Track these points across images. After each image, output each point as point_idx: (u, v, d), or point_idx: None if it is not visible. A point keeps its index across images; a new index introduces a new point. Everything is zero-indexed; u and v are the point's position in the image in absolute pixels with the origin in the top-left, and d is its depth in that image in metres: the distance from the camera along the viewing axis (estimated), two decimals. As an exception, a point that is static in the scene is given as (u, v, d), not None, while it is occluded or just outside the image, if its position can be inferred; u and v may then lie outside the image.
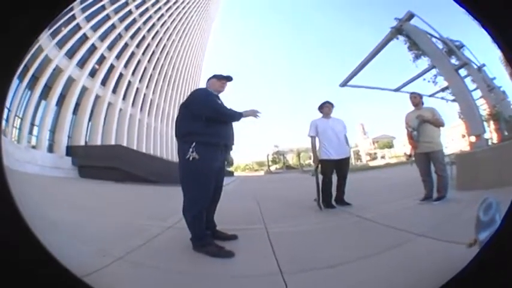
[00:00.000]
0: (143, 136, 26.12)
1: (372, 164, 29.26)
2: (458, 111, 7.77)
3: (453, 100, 8.18)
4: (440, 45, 8.06)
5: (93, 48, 21.14)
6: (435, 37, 8.13)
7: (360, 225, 3.91)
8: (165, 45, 32.39)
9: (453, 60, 7.88)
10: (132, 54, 26.20)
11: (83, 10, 19.65)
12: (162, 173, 12.80)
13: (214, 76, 3.60)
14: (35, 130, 16.93)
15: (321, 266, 2.45)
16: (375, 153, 32.38)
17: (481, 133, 6.64)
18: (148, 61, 28.95)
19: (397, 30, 8.55)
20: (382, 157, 30.97)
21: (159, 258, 2.90)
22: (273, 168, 41.75)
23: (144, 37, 28.32)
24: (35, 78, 16.23)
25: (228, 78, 3.62)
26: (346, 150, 5.42)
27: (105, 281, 2.15)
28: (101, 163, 14.93)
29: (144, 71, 28.04)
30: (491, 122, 7.12)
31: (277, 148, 41.86)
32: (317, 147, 5.44)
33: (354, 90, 10.77)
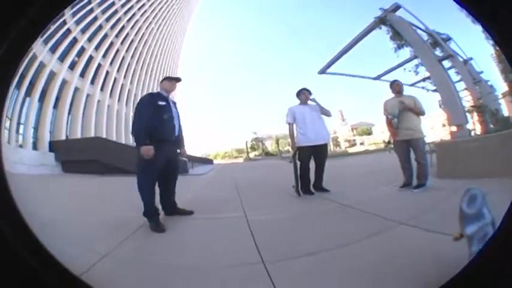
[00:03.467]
0: (121, 127, 25.87)
1: (351, 150, 29.74)
2: (439, 101, 7.83)
3: (434, 90, 8.25)
4: (425, 37, 8.07)
5: (73, 41, 20.78)
6: (420, 29, 8.13)
7: (338, 212, 3.90)
8: (143, 33, 31.84)
9: (437, 52, 7.90)
10: (111, 44, 25.73)
11: (73, 14, 19.48)
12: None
13: (166, 78, 4.31)
14: (21, 129, 16.73)
15: (301, 254, 2.48)
16: (354, 140, 32.87)
17: (462, 123, 6.66)
18: (127, 50, 28.49)
19: (381, 20, 8.49)
20: (361, 143, 31.45)
21: (145, 250, 3.00)
22: (252, 155, 42.01)
23: (123, 27, 27.82)
24: (22, 77, 15.92)
25: (178, 80, 4.37)
26: (325, 136, 5.44)
27: (98, 278, 2.13)
28: (81, 157, 14.73)
29: (122, 60, 27.62)
30: (475, 114, 7.21)
31: (255, 135, 42.05)
32: (295, 134, 5.45)
33: (333, 78, 10.76)
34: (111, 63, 25.48)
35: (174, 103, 4.31)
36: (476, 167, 4.53)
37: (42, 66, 17.58)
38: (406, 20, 8.28)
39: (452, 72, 7.89)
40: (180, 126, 4.28)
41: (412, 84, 9.42)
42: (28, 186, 7.06)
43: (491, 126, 6.86)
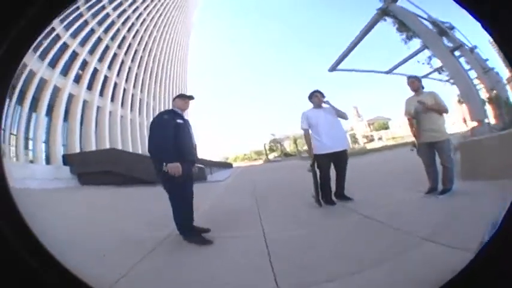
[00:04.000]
0: (137, 136, 25.89)
1: (369, 146, 29.16)
2: (458, 95, 7.52)
3: (449, 81, 7.96)
4: (429, 27, 7.77)
5: (74, 55, 20.86)
6: (424, 18, 7.83)
7: (362, 226, 3.68)
8: (146, 42, 31.81)
9: (445, 42, 7.60)
10: (115, 55, 25.82)
11: (61, 21, 19.20)
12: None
13: (179, 96, 4.25)
14: (30, 144, 16.94)
15: (321, 280, 2.32)
16: (372, 136, 32.35)
17: (482, 118, 6.35)
18: (132, 60, 28.51)
19: (383, 12, 8.18)
20: (380, 138, 30.81)
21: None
22: (271, 156, 41.99)
23: (124, 37, 27.81)
24: (22, 93, 16.20)
25: (191, 98, 4.27)
26: (344, 142, 5.10)
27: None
28: (97, 168, 14.88)
29: (129, 70, 27.69)
30: (491, 107, 6.88)
31: (273, 136, 41.94)
32: (311, 141, 5.08)
33: (346, 75, 10.53)
34: (117, 74, 25.69)
35: (188, 121, 4.21)
36: (501, 165, 4.21)
37: (43, 82, 17.78)
38: (408, 9, 7.95)
39: (462, 62, 7.55)
40: (196, 145, 4.28)
41: (425, 76, 9.06)
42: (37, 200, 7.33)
43: (506, 118, 6.46)
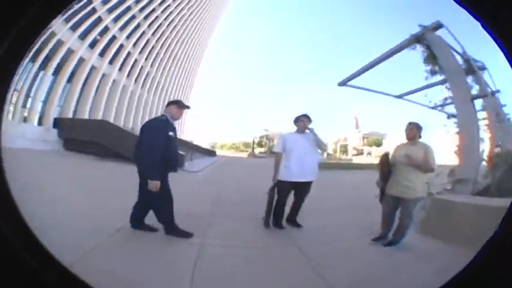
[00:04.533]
0: (132, 108, 25.81)
1: (356, 160, 29.43)
2: (457, 145, 6.75)
3: (453, 117, 7.36)
4: (460, 62, 6.95)
5: (98, 20, 20.67)
6: (458, 53, 6.96)
7: (293, 261, 3.52)
8: (173, 19, 31.37)
9: (469, 80, 6.82)
10: (137, 26, 25.43)
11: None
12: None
13: (175, 103, 3.99)
14: (29, 102, 17.11)
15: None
16: (362, 150, 32.52)
17: (471, 178, 5.66)
18: (153, 34, 28.14)
19: (417, 39, 7.35)
20: (369, 153, 31.27)
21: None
22: (257, 151, 41.27)
23: (154, 9, 27.39)
24: (38, 51, 16.10)
25: (187, 107, 4.13)
26: (312, 174, 4.80)
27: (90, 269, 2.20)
28: (84, 137, 14.62)
29: (147, 43, 27.31)
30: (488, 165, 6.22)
31: (266, 132, 41.47)
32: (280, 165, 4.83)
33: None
34: (134, 44, 25.32)
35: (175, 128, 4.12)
36: (466, 234, 3.76)
37: (60, 43, 17.55)
38: (445, 41, 6.77)
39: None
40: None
41: (434, 107, 8.53)
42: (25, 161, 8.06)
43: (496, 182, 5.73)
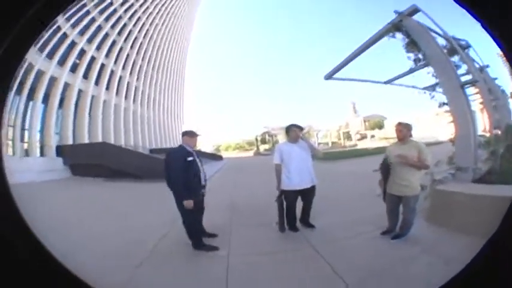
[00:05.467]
0: (130, 125, 26.04)
1: (361, 145, 29.49)
2: (451, 134, 6.41)
3: (444, 105, 7.02)
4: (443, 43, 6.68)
5: (72, 44, 20.54)
6: (438, 34, 6.73)
7: (309, 263, 3.65)
8: (147, 30, 31.46)
9: (454, 59, 6.55)
10: (113, 43, 25.53)
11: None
12: (145, 168, 13.08)
13: (187, 134, 4.46)
14: (26, 136, 17.25)
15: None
16: (365, 133, 32.31)
17: (470, 166, 5.43)
18: (131, 47, 28.28)
19: (395, 27, 6.93)
20: (372, 136, 31.22)
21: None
22: (262, 148, 41.93)
23: (125, 25, 27.45)
24: (20, 84, 16.27)
25: (197, 135, 4.62)
26: (312, 180, 4.97)
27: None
28: (88, 161, 15.05)
29: (127, 57, 27.55)
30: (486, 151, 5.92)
31: (266, 129, 41.42)
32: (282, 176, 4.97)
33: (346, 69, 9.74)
34: (115, 61, 25.43)
35: (197, 153, 4.55)
36: (467, 221, 4.02)
37: (41, 73, 17.69)
38: (425, 25, 6.64)
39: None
40: (205, 173, 4.58)
41: (426, 88, 8.17)
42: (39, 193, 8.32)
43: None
